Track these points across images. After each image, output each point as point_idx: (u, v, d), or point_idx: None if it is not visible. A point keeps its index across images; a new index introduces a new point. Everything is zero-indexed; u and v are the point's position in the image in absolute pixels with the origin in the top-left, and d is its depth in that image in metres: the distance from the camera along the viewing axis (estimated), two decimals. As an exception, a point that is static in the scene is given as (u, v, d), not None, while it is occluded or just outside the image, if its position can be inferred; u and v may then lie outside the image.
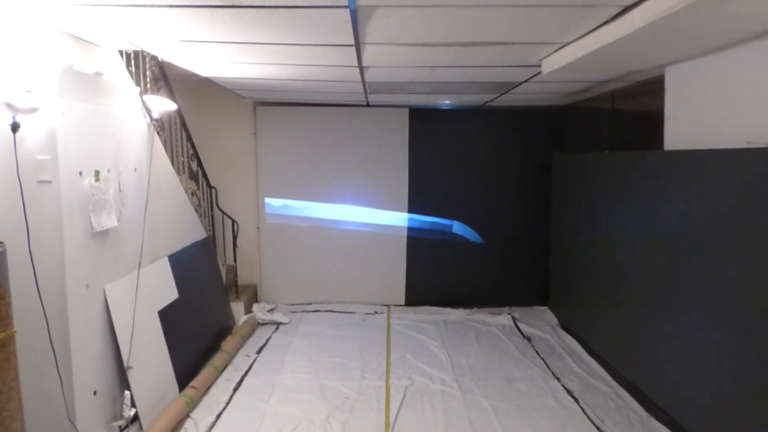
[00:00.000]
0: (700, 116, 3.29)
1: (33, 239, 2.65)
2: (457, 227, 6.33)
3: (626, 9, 2.39)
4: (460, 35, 2.86)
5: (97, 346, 3.15)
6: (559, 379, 4.25)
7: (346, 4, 2.27)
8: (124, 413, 3.28)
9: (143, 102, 3.77)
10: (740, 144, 2.79)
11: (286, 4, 2.27)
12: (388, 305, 6.31)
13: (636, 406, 3.76)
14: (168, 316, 3.90)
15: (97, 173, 3.10)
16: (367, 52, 3.30)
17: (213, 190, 5.69)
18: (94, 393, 3.08)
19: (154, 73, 4.07)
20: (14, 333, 2.35)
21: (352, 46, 3.09)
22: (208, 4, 2.26)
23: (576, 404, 3.83)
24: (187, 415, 3.61)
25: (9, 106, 2.50)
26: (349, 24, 2.58)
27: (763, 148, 2.58)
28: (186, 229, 4.69)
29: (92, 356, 3.08)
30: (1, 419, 2.29)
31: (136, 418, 3.34)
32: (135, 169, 3.64)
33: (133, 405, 3.31)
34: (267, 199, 6.22)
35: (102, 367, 3.18)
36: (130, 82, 3.61)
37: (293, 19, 2.51)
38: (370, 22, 2.60)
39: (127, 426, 3.31)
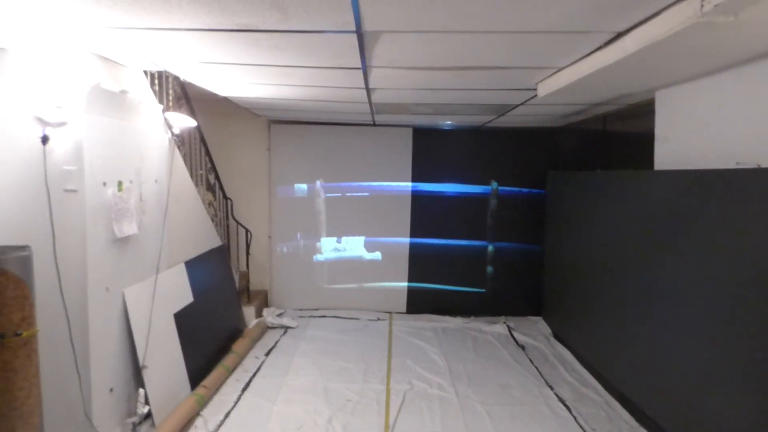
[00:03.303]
0: (689, 138, 3.25)
1: (58, 244, 2.65)
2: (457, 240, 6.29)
3: (619, 35, 2.37)
4: (460, 60, 2.86)
5: (115, 345, 3.12)
6: (551, 387, 4.16)
7: (354, 29, 2.27)
8: (138, 410, 3.24)
9: (165, 118, 3.79)
10: (730, 164, 2.74)
11: (297, 29, 2.28)
12: (390, 312, 6.24)
13: (626, 415, 3.67)
14: (183, 319, 3.87)
15: (120, 184, 3.11)
16: (374, 75, 3.31)
17: (229, 201, 5.70)
18: (111, 390, 3.05)
19: (176, 92, 4.09)
20: (36, 332, 2.34)
21: (359, 69, 3.09)
22: (224, 27, 2.27)
23: (568, 412, 3.74)
24: (198, 413, 3.57)
25: (39, 120, 2.52)
26: (356, 48, 2.59)
27: (753, 169, 2.54)
28: (202, 237, 4.68)
29: (110, 355, 3.06)
30: (21, 414, 2.27)
31: (149, 415, 3.30)
32: (156, 181, 3.64)
33: (146, 402, 3.27)
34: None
35: (119, 365, 3.15)
36: (153, 100, 3.63)
37: (304, 43, 2.52)
38: (376, 47, 2.60)
39: (140, 422, 3.27)
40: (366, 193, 6.26)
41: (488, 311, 6.20)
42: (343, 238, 6.29)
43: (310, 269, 6.33)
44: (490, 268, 6.28)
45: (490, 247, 6.26)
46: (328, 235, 6.30)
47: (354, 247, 6.31)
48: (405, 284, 6.31)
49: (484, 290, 6.30)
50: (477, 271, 6.29)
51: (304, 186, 6.23)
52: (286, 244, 6.29)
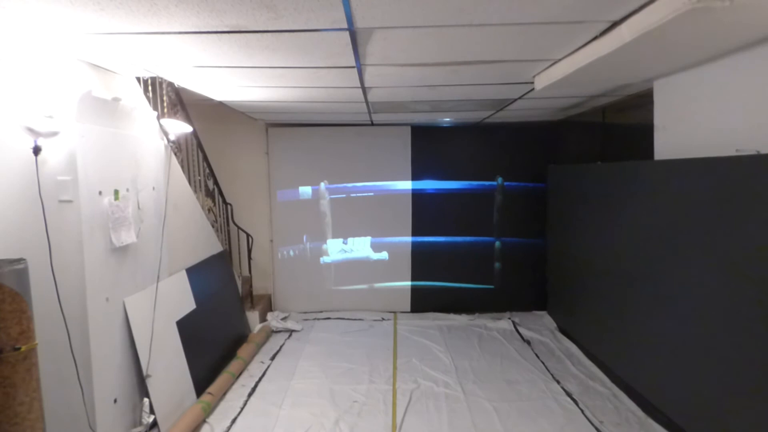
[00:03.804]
0: (689, 126, 3.20)
1: (55, 256, 2.61)
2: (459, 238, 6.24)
3: (615, 24, 2.32)
4: (455, 54, 2.81)
5: (117, 355, 3.08)
6: (558, 382, 4.11)
7: (346, 26, 2.22)
8: (143, 420, 3.20)
9: (160, 125, 3.74)
10: (729, 152, 2.69)
11: (288, 28, 2.23)
12: (395, 312, 6.20)
13: (634, 407, 3.62)
14: (186, 326, 3.82)
15: (116, 192, 3.06)
16: (369, 73, 3.26)
17: (228, 206, 5.65)
18: (114, 401, 3.00)
19: (171, 99, 4.05)
20: (35, 345, 2.30)
21: (353, 67, 3.04)
22: (214, 29, 2.23)
23: (575, 406, 3.69)
24: (204, 421, 3.53)
25: (31, 130, 2.48)
26: (349, 46, 2.54)
27: (752, 156, 2.49)
28: (203, 243, 4.63)
29: (112, 365, 3.01)
30: (23, 429, 2.23)
31: (154, 424, 3.25)
32: (153, 188, 3.60)
33: (152, 412, 3.23)
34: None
35: (122, 375, 3.10)
36: (147, 106, 3.59)
37: (296, 42, 2.47)
38: (369, 44, 2.55)
39: (146, 432, 3.23)
40: (366, 194, 6.21)
41: (493, 307, 6.15)
42: (350, 239, 6.24)
43: (313, 272, 6.28)
44: (498, 264, 6.23)
45: (498, 243, 6.21)
46: (331, 236, 6.25)
47: (360, 247, 6.26)
48: (408, 283, 6.26)
49: (492, 287, 6.24)
50: (482, 268, 6.24)
51: (304, 189, 6.18)
52: (289, 247, 6.25)
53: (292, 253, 6.25)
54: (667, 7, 1.99)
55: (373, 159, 6.16)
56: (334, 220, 6.23)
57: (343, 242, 6.24)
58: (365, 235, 6.25)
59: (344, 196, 6.20)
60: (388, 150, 6.14)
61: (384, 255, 6.25)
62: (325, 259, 6.27)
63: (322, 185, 6.16)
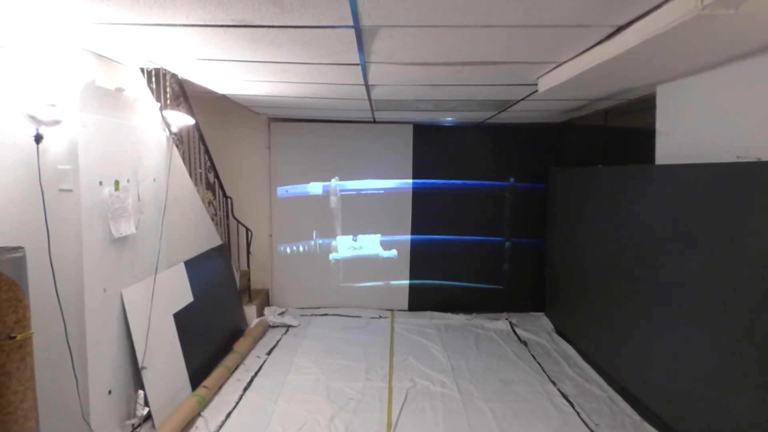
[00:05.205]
0: (690, 132, 3.20)
1: (53, 245, 2.60)
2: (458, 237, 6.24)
3: (620, 29, 2.31)
4: (460, 55, 2.80)
5: (113, 347, 3.07)
6: (554, 383, 4.12)
7: (351, 24, 2.21)
8: (138, 412, 3.20)
9: (163, 117, 3.73)
10: (731, 158, 2.69)
11: (293, 24, 2.22)
12: (392, 310, 6.19)
13: (629, 410, 3.62)
14: (183, 319, 3.82)
15: (116, 183, 3.05)
16: (373, 71, 3.24)
17: (229, 200, 5.64)
18: (109, 392, 3.00)
19: (174, 90, 4.03)
20: (31, 334, 2.29)
21: (358, 65, 3.03)
22: (219, 23, 2.21)
23: (571, 408, 3.69)
24: (199, 414, 3.52)
25: (33, 118, 2.46)
26: (354, 44, 2.53)
27: (753, 162, 2.49)
28: (202, 236, 4.63)
29: (108, 357, 3.01)
30: (16, 418, 2.22)
31: (149, 416, 3.25)
32: (154, 180, 3.59)
33: (146, 404, 3.23)
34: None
35: (117, 367, 3.10)
36: (150, 97, 3.57)
37: (301, 38, 2.46)
38: (374, 42, 2.54)
39: (140, 424, 3.22)
40: (367, 191, 6.20)
41: (490, 308, 6.15)
42: (359, 236, 6.24)
43: (313, 267, 6.27)
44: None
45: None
46: (331, 234, 6.25)
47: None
48: (407, 282, 6.26)
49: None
50: (483, 268, 6.23)
51: (306, 184, 6.17)
52: (288, 242, 6.24)
53: (293, 249, 6.24)
54: (672, 13, 1.99)
55: (375, 157, 6.15)
56: (334, 217, 6.22)
57: (353, 239, 6.23)
58: (362, 233, 6.24)
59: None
60: (390, 148, 6.13)
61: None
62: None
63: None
